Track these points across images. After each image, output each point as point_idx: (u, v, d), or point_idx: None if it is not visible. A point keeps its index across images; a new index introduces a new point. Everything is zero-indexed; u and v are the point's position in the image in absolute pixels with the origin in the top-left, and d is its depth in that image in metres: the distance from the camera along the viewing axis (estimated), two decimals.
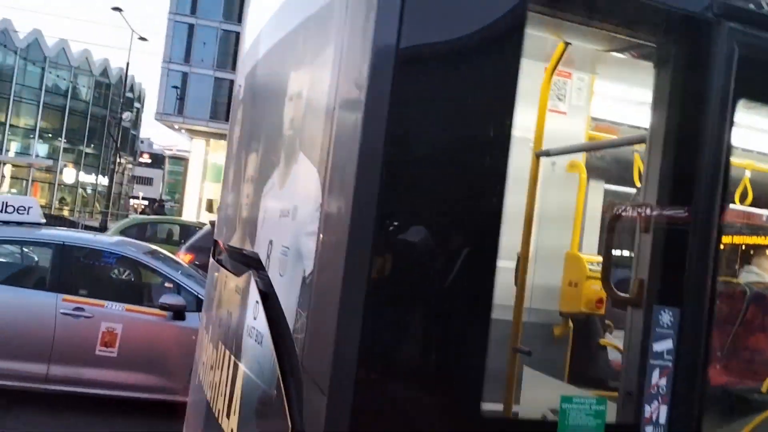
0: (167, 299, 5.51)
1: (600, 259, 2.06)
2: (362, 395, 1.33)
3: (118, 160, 54.45)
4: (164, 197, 48.07)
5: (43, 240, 5.93)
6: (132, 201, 73.20)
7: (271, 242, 1.76)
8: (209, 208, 47.91)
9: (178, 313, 5.59)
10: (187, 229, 13.70)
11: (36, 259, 6.40)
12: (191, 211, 44.47)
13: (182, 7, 47.03)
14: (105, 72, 65.30)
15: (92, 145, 64.21)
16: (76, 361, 5.46)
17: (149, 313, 5.63)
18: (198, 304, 5.70)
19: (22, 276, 6.11)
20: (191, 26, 47.25)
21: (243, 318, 1.89)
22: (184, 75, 47.44)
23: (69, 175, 59.85)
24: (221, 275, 2.56)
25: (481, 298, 1.37)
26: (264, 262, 1.77)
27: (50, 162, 59.25)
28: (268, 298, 1.71)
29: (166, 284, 5.84)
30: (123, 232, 12.63)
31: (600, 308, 2.48)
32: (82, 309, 5.46)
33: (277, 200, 1.77)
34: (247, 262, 2.01)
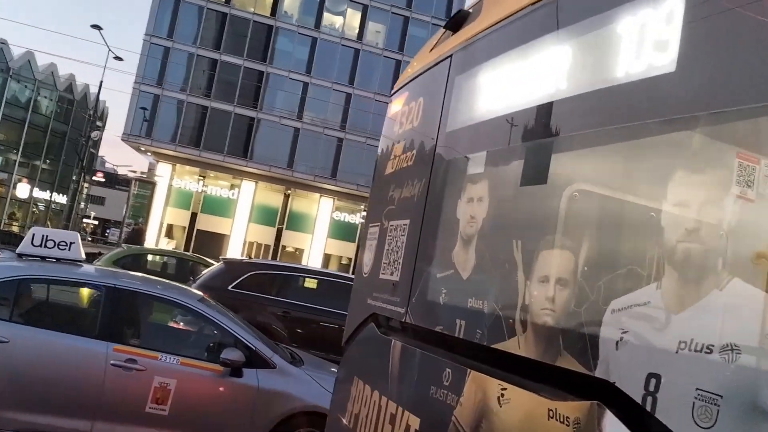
0: (229, 354, 5.09)
1: None
2: None
3: (82, 179, 52.73)
4: (128, 220, 46.61)
5: (92, 281, 5.44)
6: (85, 220, 70.88)
7: (656, 378, 1.49)
8: (169, 234, 46.91)
9: (236, 369, 5.17)
10: (185, 264, 13.10)
11: (83, 301, 5.88)
12: (152, 237, 43.29)
13: (159, 29, 46.53)
14: (69, 87, 63.81)
15: (48, 161, 62.27)
16: (124, 419, 4.97)
17: (206, 368, 5.19)
18: (253, 360, 5.31)
19: (67, 320, 5.58)
20: (167, 49, 46.71)
21: None
22: (156, 97, 46.71)
23: (23, 190, 57.72)
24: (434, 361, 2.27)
25: None
26: (637, 399, 1.49)
27: (4, 175, 57.09)
28: None
29: (224, 336, 5.40)
30: (116, 262, 11.99)
31: None
32: (134, 361, 4.98)
33: (663, 328, 1.51)
34: (562, 383, 1.72)
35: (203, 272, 10.61)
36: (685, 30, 1.58)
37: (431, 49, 3.11)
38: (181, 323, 5.95)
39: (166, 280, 6.81)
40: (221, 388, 5.17)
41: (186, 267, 13.03)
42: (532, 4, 2.24)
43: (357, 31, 48.39)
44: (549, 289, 1.86)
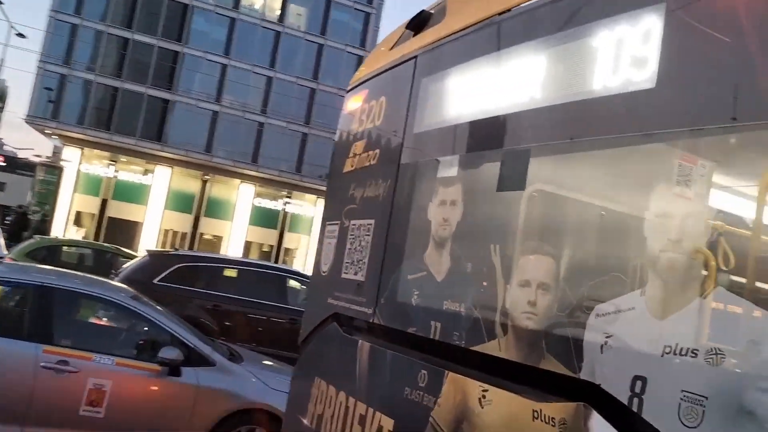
0: (167, 353, 4.95)
1: None
2: None
3: None
4: (34, 208, 44.04)
5: (19, 280, 5.13)
6: None
7: (642, 380, 1.57)
8: (77, 221, 44.67)
9: (174, 368, 5.04)
10: (104, 256, 12.52)
11: (9, 301, 5.53)
12: (59, 224, 41.22)
13: (65, 6, 44.07)
14: None
15: None
16: (57, 423, 4.75)
17: (143, 368, 5.02)
18: (192, 358, 5.19)
19: None
20: (74, 26, 44.31)
21: None
22: (62, 77, 44.29)
23: None
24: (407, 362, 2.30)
25: None
26: (623, 399, 1.57)
27: None
28: None
29: (161, 334, 5.24)
30: (29, 254, 11.34)
31: None
32: (66, 362, 4.76)
33: (648, 332, 1.59)
34: (547, 385, 1.79)
35: (125, 265, 10.22)
36: (663, 48, 1.66)
37: (391, 48, 3.11)
38: (116, 322, 5.72)
39: (96, 276, 6.53)
40: (159, 388, 5.03)
41: (105, 259, 12.48)
42: (500, 14, 2.29)
43: (278, 12, 47.48)
44: (531, 294, 1.92)
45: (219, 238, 45.71)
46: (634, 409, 1.58)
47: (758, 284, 1.45)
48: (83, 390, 4.76)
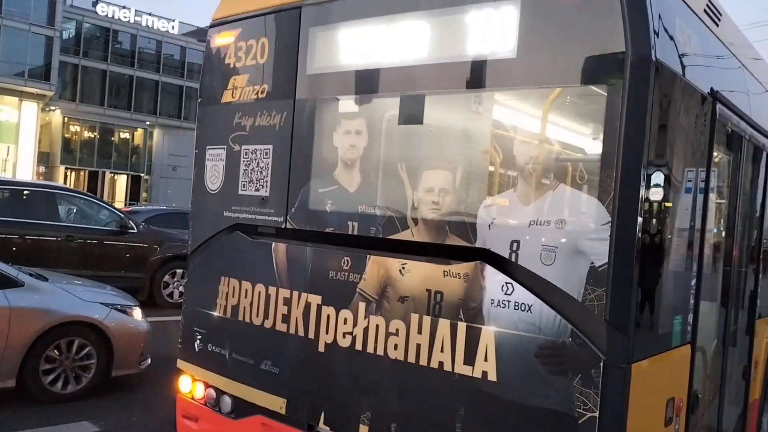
0: None
1: None
2: (640, 331, 2.42)
3: None
4: None
5: None
6: None
7: (517, 242, 2.57)
8: None
9: None
10: None
11: None
12: None
13: None
14: None
15: None
16: None
17: None
18: None
19: None
20: None
21: (474, 294, 2.63)
22: None
23: None
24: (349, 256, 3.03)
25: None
26: (505, 255, 2.57)
27: None
28: (523, 280, 2.53)
29: None
30: None
31: None
32: None
33: (527, 212, 2.57)
34: (446, 252, 2.72)
35: None
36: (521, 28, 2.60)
37: None
38: None
39: None
40: None
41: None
42: None
43: None
44: (435, 196, 2.84)
45: None
46: (513, 259, 2.61)
47: (583, 181, 2.52)
48: None
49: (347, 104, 3.18)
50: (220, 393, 3.58)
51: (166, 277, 10.43)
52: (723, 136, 3.33)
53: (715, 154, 3.15)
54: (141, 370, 6.03)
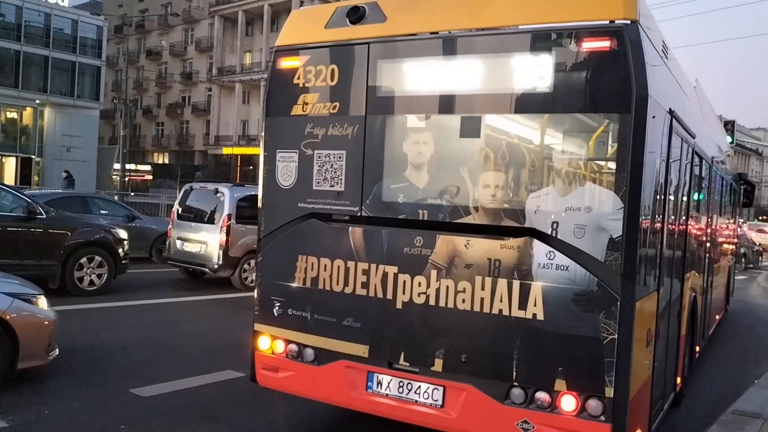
0: None
1: None
2: (639, 281, 3.66)
3: None
4: None
5: None
6: None
7: (556, 223, 3.67)
8: None
9: None
10: None
11: None
12: None
13: None
14: None
15: None
16: None
17: None
18: None
19: None
20: None
21: (525, 260, 3.73)
22: None
23: None
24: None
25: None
26: (551, 231, 3.68)
27: None
28: (565, 248, 3.65)
29: None
30: None
31: None
32: None
33: (562, 201, 3.67)
34: (502, 231, 3.81)
35: None
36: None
37: (326, 26, 4.48)
38: None
39: None
40: None
41: None
42: (432, 33, 4.06)
43: None
44: (492, 190, 3.91)
45: None
46: (554, 235, 3.75)
47: (603, 180, 3.68)
48: None
49: (415, 120, 4.17)
50: (302, 347, 4.51)
51: (80, 264, 10.26)
52: (677, 146, 4.65)
53: (672, 160, 4.44)
54: (49, 360, 5.87)
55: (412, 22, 4.19)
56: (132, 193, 36.82)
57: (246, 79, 59.38)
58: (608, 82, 3.62)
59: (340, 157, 4.39)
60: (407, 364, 4.13)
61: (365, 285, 4.27)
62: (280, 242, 4.69)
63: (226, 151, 60.74)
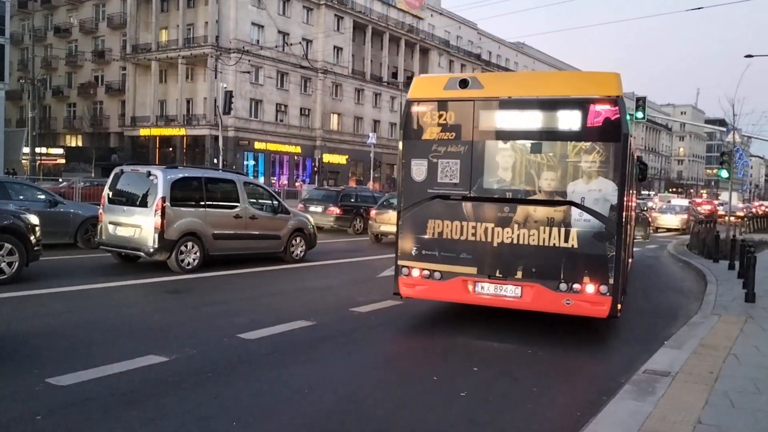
0: None
1: None
2: (619, 225, 7.38)
3: None
4: None
5: None
6: None
7: (583, 198, 7.20)
8: None
9: None
10: None
11: None
12: None
13: None
14: None
15: None
16: None
17: None
18: None
19: None
20: None
21: (567, 217, 7.25)
22: None
23: None
24: (503, 208, 7.57)
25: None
26: (580, 202, 7.20)
27: None
28: (588, 211, 7.16)
29: None
30: None
31: None
32: None
33: (586, 186, 7.17)
34: (554, 203, 7.34)
35: None
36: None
37: (444, 87, 7.84)
38: None
39: None
40: None
41: None
42: (512, 97, 7.59)
43: None
44: (548, 182, 7.48)
45: None
46: (582, 204, 7.38)
47: (607, 176, 7.34)
48: None
49: (502, 143, 7.65)
50: (432, 271, 7.93)
51: None
52: (629, 153, 8.44)
53: (630, 162, 8.22)
54: None
55: (498, 90, 7.65)
56: (42, 178, 35.51)
57: (162, 56, 58.37)
58: (609, 125, 7.24)
59: (456, 164, 7.79)
60: (500, 275, 7.66)
61: (474, 234, 7.74)
62: (414, 213, 8.04)
63: (143, 132, 59.97)
